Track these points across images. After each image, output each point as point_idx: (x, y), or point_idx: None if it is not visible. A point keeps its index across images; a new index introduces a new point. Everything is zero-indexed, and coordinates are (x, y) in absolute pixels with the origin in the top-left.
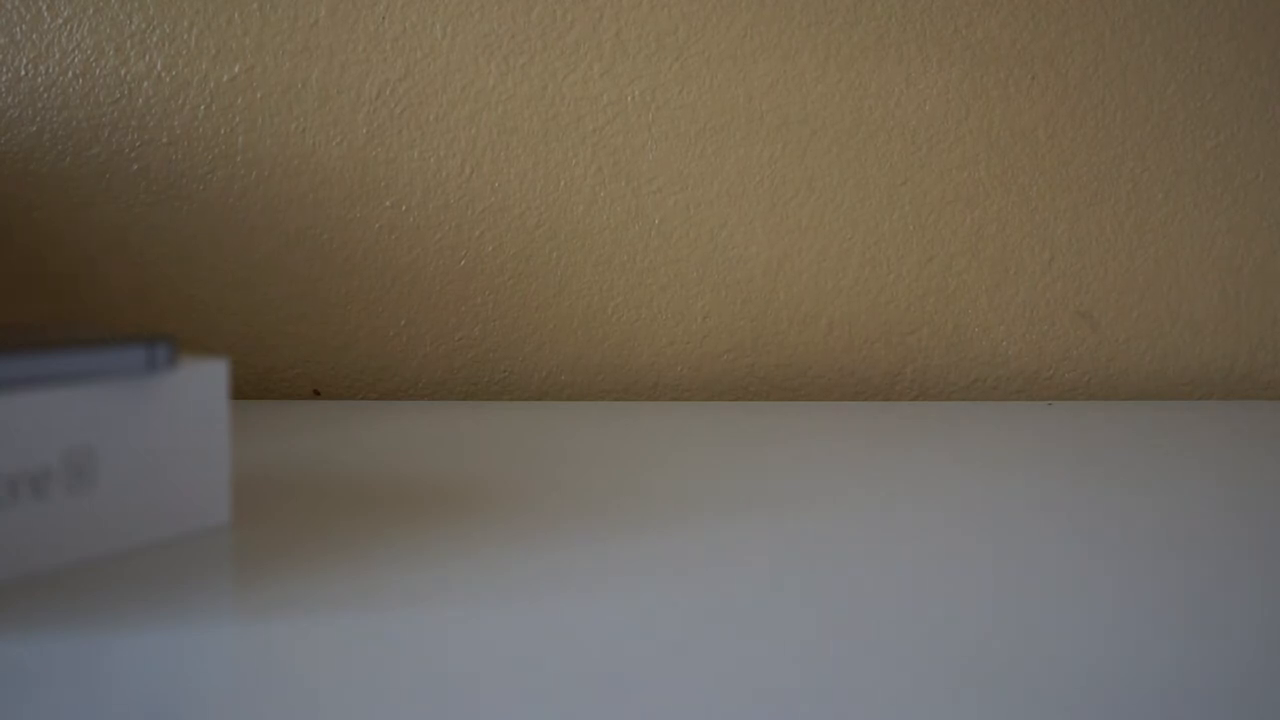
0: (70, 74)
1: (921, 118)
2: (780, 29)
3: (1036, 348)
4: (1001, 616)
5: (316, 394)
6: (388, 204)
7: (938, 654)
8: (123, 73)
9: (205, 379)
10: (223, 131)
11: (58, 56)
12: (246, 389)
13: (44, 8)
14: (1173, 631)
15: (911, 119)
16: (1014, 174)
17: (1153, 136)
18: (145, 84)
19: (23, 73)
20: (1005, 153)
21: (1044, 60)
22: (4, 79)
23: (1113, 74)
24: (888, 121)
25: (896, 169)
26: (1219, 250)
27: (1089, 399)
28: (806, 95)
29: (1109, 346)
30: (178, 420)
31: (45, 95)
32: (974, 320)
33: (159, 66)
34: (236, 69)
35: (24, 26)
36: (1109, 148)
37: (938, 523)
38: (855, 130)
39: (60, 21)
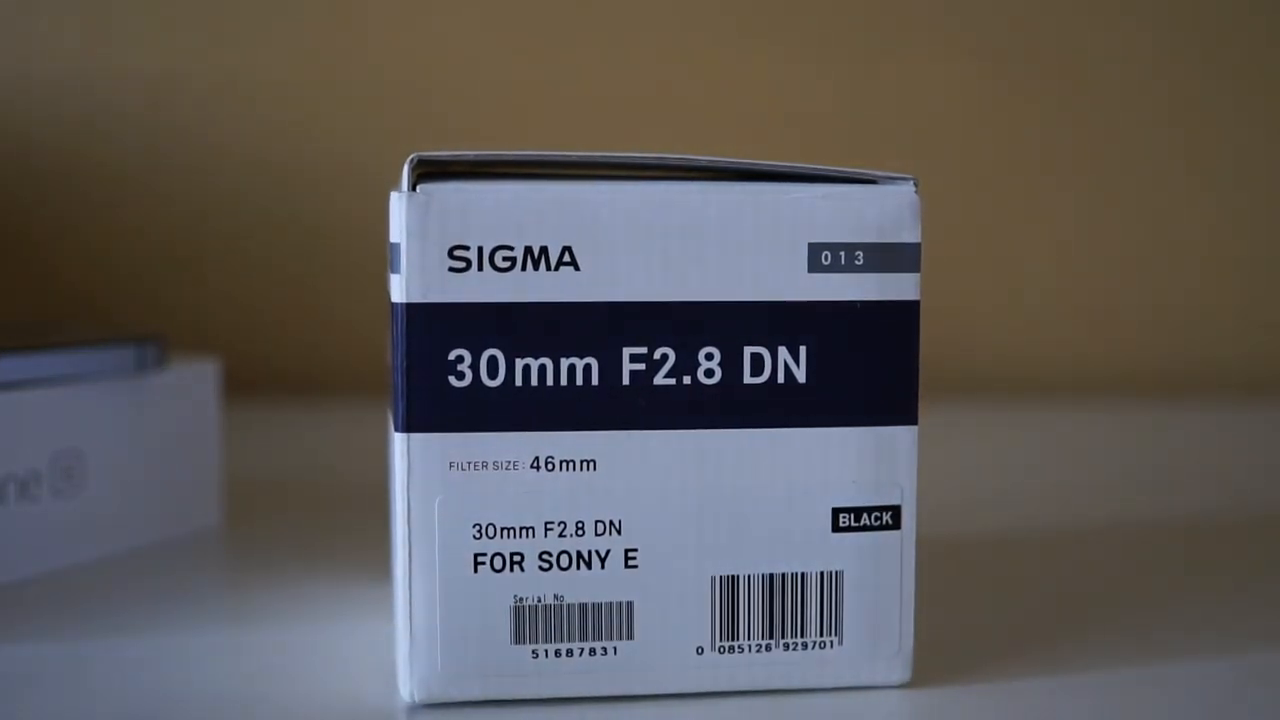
0: (61, 70)
1: (924, 114)
2: (779, 26)
3: (1043, 345)
4: None
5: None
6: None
7: None
8: (116, 69)
9: (196, 379)
10: (218, 128)
11: (49, 53)
12: (238, 388)
13: (35, 2)
14: None
15: (914, 115)
16: (1019, 170)
17: (1162, 131)
18: (138, 81)
19: (13, 69)
20: (1009, 149)
21: (1048, 54)
22: None
23: (1118, 67)
24: (889, 118)
25: (897, 167)
26: (1230, 245)
27: (1095, 397)
28: (805, 93)
29: (1118, 344)
30: (168, 421)
31: (34, 92)
32: (979, 318)
33: (154, 63)
34: (234, 65)
35: (15, 21)
36: (1117, 143)
37: None
38: (856, 128)
39: (52, 17)
